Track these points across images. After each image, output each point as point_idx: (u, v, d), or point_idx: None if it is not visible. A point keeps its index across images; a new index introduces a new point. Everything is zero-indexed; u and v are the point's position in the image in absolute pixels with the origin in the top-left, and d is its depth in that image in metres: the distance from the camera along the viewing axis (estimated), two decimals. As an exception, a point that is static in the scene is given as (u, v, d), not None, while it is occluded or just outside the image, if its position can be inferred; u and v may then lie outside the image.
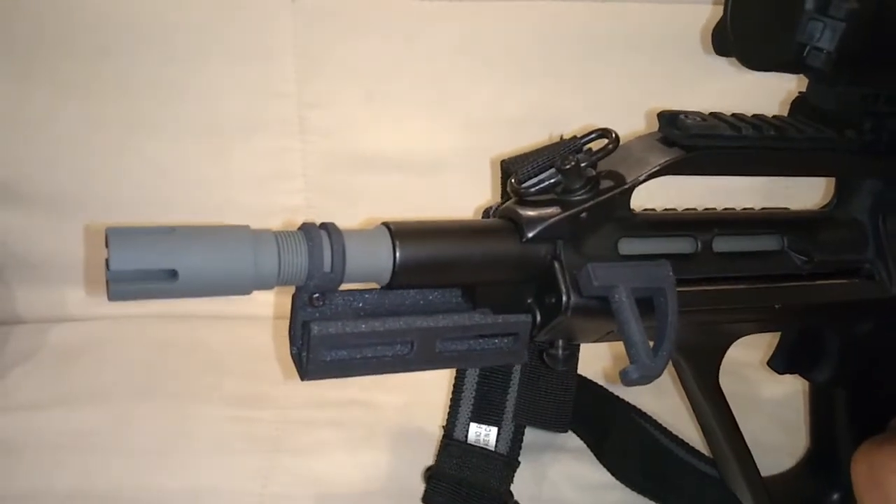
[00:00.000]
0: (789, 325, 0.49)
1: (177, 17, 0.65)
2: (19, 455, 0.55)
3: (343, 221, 0.35)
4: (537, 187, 0.37)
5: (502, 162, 0.43)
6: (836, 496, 0.51)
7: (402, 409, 0.60)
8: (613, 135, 0.38)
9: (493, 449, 0.50)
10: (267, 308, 0.72)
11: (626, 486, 0.54)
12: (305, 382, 0.37)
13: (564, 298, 0.36)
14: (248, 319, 0.71)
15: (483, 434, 0.49)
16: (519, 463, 0.51)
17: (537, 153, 0.40)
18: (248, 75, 0.66)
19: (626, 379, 0.34)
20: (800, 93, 0.46)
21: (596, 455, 0.56)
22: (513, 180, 0.39)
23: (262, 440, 0.57)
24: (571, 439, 0.57)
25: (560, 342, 0.39)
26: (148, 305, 0.70)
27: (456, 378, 0.51)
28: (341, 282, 0.34)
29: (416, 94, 0.67)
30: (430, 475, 0.51)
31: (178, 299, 0.31)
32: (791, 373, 0.51)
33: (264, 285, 0.32)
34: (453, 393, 0.52)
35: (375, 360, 0.35)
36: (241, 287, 0.32)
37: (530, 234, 0.36)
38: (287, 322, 0.35)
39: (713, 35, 0.43)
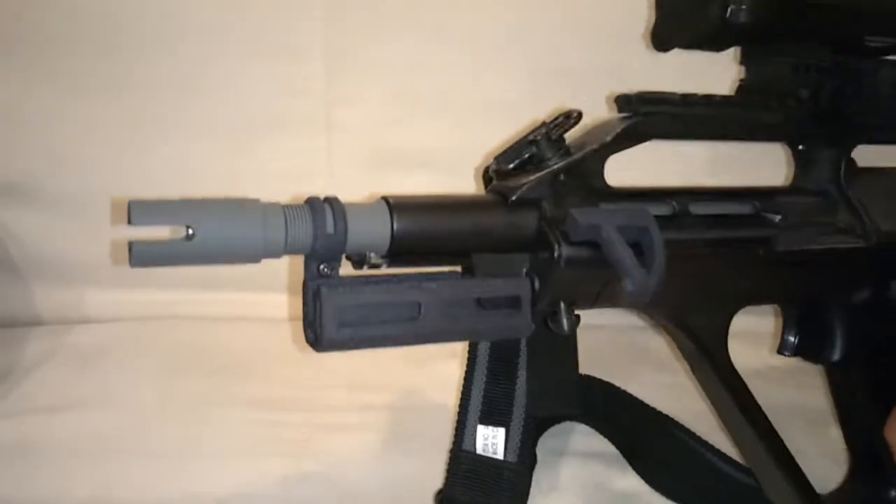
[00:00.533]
0: (786, 295, 0.50)
1: (204, 14, 0.64)
2: (37, 459, 0.54)
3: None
4: (515, 163, 0.41)
5: (483, 170, 0.45)
6: (893, 493, 0.49)
7: (429, 413, 0.58)
8: (575, 113, 0.41)
9: (501, 458, 0.47)
10: (289, 311, 0.71)
11: (660, 493, 0.52)
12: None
13: (556, 249, 0.38)
14: (270, 322, 0.70)
15: (490, 438, 0.47)
16: (529, 470, 0.48)
17: (513, 143, 0.43)
18: (275, 72, 0.66)
19: (624, 292, 0.36)
20: (740, 80, 0.48)
21: (629, 462, 0.54)
22: (493, 167, 0.42)
23: (286, 445, 0.56)
24: (603, 446, 0.55)
25: (562, 305, 0.40)
26: (168, 307, 0.70)
27: (464, 384, 0.50)
28: (344, 247, 0.36)
29: (445, 91, 0.66)
30: (441, 500, 0.48)
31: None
32: (801, 355, 0.51)
33: (273, 251, 0.35)
34: (461, 398, 0.49)
35: (386, 329, 0.37)
36: (252, 252, 0.34)
37: (514, 197, 0.39)
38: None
39: (651, 35, 0.46)
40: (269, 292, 0.70)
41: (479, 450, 0.47)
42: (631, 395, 0.55)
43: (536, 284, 0.40)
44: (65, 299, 0.70)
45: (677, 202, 0.43)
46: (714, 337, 0.45)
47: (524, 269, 0.40)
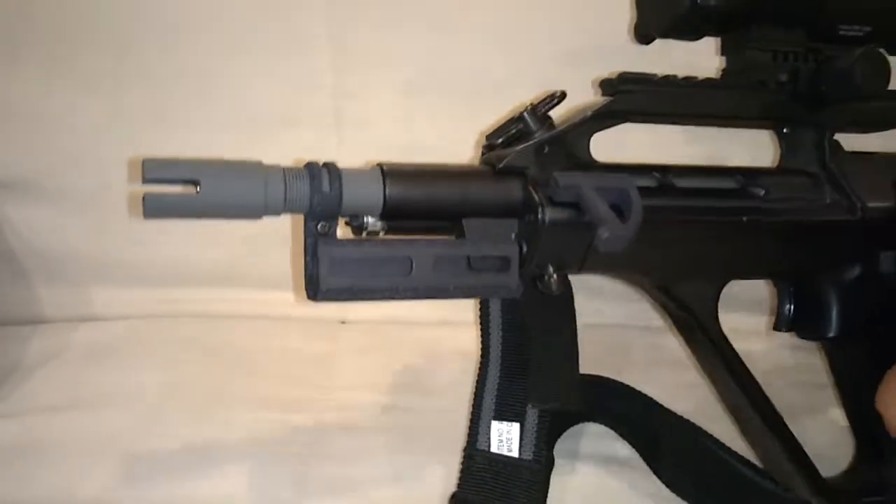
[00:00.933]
0: (775, 269, 0.51)
1: (209, 8, 0.63)
2: (41, 459, 0.52)
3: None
4: (503, 138, 0.44)
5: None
6: None
7: (444, 414, 0.56)
8: (559, 92, 0.44)
9: (517, 456, 0.47)
10: (298, 309, 0.69)
11: (681, 497, 0.51)
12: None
13: (540, 210, 0.41)
14: (279, 320, 0.69)
15: (505, 434, 0.47)
16: (547, 469, 0.47)
17: (503, 121, 0.45)
18: (282, 66, 0.64)
19: (598, 239, 0.39)
20: (722, 70, 0.50)
21: (649, 465, 0.53)
22: (484, 142, 0.45)
23: (296, 446, 0.54)
24: (622, 449, 0.54)
25: (550, 268, 0.42)
26: (176, 304, 0.69)
27: (477, 381, 0.50)
28: (340, 206, 0.39)
29: (455, 84, 0.65)
30: (456, 502, 0.47)
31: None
32: (797, 331, 0.52)
33: (273, 208, 0.38)
34: (475, 395, 0.49)
35: (379, 282, 0.40)
36: (253, 207, 0.37)
37: (500, 165, 0.43)
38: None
39: (634, 29, 0.49)
40: (278, 290, 0.68)
41: (494, 448, 0.46)
42: (650, 398, 0.54)
43: (524, 247, 0.42)
44: (70, 297, 0.69)
45: (661, 175, 0.46)
46: (703, 306, 0.47)
47: (513, 234, 0.43)
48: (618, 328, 0.71)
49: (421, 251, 0.41)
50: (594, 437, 0.56)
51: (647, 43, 0.48)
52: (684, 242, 0.46)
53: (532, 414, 0.47)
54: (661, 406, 0.53)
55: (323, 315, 0.71)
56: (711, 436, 0.51)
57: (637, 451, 0.54)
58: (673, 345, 0.67)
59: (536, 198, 0.41)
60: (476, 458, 0.46)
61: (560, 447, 0.53)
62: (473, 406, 0.48)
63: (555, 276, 0.43)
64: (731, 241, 0.47)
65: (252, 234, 0.68)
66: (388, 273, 0.40)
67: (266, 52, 0.64)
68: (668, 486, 0.51)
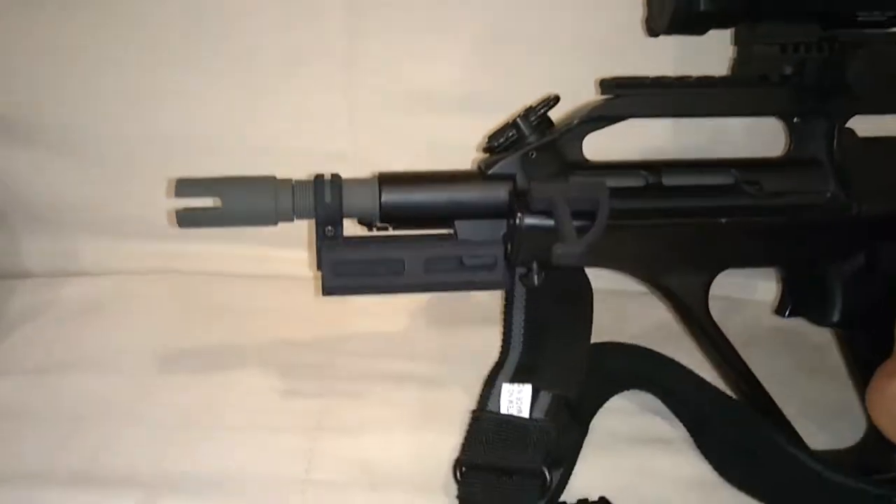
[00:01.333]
0: (770, 260, 0.52)
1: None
2: (23, 425, 0.49)
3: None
4: (499, 142, 0.47)
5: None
6: None
7: (459, 385, 0.52)
8: (553, 97, 0.47)
9: (527, 416, 0.45)
10: (306, 269, 0.64)
11: (730, 482, 0.47)
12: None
13: (519, 217, 0.45)
14: (285, 280, 0.64)
15: (516, 395, 0.46)
16: (564, 432, 0.46)
17: (501, 125, 0.48)
18: (290, 2, 0.58)
19: (554, 254, 0.41)
20: (732, 61, 0.50)
21: (697, 445, 0.49)
22: (485, 144, 0.48)
23: (304, 417, 0.50)
24: (670, 430, 0.50)
25: (535, 265, 0.47)
26: (172, 259, 0.65)
27: (501, 351, 0.50)
28: (340, 213, 0.46)
29: (481, 22, 0.59)
30: (461, 466, 0.45)
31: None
32: (798, 315, 0.53)
33: (284, 217, 0.46)
34: (495, 365, 0.49)
35: (375, 280, 0.47)
36: (267, 217, 0.46)
37: (489, 172, 0.47)
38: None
39: (644, 22, 0.50)
40: (285, 248, 0.64)
41: (504, 409, 0.47)
42: (701, 377, 0.50)
43: (509, 247, 0.47)
44: (56, 249, 0.65)
45: (650, 174, 0.47)
46: (693, 296, 0.49)
47: (501, 234, 0.47)
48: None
49: (413, 253, 0.47)
50: (636, 416, 0.52)
51: (655, 35, 0.49)
52: (670, 240, 0.48)
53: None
54: (714, 386, 0.50)
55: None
56: (767, 420, 0.48)
57: (686, 427, 0.50)
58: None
59: (516, 206, 0.45)
60: (484, 419, 0.46)
61: (601, 424, 0.50)
62: (491, 374, 0.49)
63: (539, 273, 0.47)
64: (721, 239, 0.48)
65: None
66: (383, 273, 0.47)
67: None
68: (716, 468, 0.48)
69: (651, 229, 0.47)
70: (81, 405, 0.50)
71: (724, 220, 0.47)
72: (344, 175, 0.47)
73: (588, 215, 0.43)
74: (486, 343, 0.51)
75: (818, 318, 0.51)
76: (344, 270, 0.47)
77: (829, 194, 0.48)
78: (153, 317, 0.60)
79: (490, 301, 0.59)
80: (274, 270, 0.64)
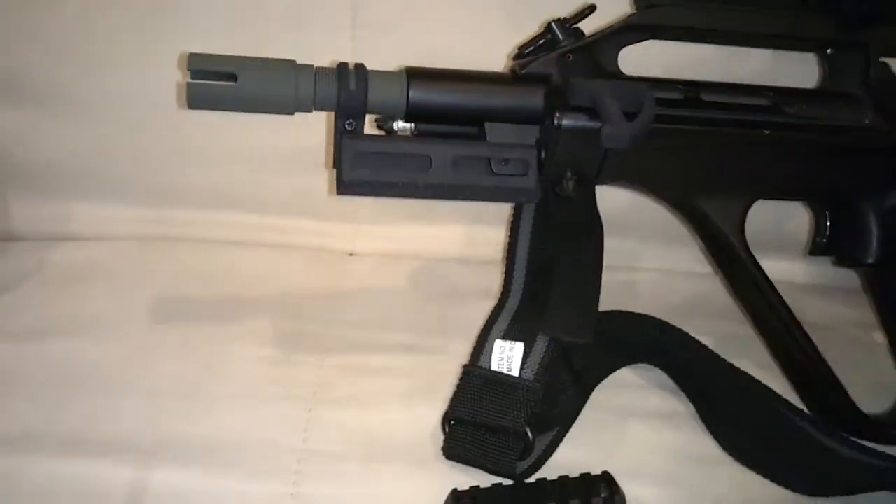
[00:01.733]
0: (806, 190, 0.51)
1: None
2: (15, 390, 0.47)
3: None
4: (531, 48, 0.46)
5: None
6: None
7: (462, 357, 0.50)
8: (590, 5, 0.46)
9: (516, 375, 0.45)
10: (303, 237, 0.64)
11: (736, 459, 0.46)
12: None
13: (557, 116, 0.43)
14: (283, 248, 0.63)
15: (507, 352, 0.45)
16: (543, 390, 0.44)
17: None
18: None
19: (602, 135, 0.40)
20: None
21: (703, 421, 0.48)
22: (515, 53, 0.47)
23: (301, 387, 0.49)
24: (677, 405, 0.49)
25: (568, 173, 0.44)
26: (167, 225, 0.63)
27: (495, 306, 0.49)
28: (365, 105, 0.42)
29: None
30: (449, 420, 0.45)
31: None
32: (833, 256, 0.52)
33: (304, 104, 0.42)
34: (489, 317, 0.48)
35: (399, 176, 0.43)
36: (285, 101, 0.42)
37: (522, 72, 0.45)
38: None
39: None
40: (280, 216, 0.63)
41: (494, 366, 0.45)
42: (711, 351, 0.49)
43: (543, 152, 0.45)
44: (48, 212, 0.63)
45: (688, 88, 0.46)
46: (730, 223, 0.47)
47: (534, 139, 0.45)
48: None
49: (441, 149, 0.44)
50: (643, 390, 0.51)
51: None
52: (707, 155, 0.46)
53: (542, 340, 0.45)
54: (724, 360, 0.49)
55: (330, 246, 0.65)
56: (779, 396, 0.47)
57: (692, 404, 0.49)
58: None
59: (554, 104, 0.43)
60: (473, 376, 0.45)
61: (607, 398, 0.49)
62: (483, 329, 0.48)
63: (573, 181, 0.44)
64: (758, 158, 0.47)
65: (253, 155, 0.62)
66: (407, 169, 0.43)
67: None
68: (724, 447, 0.47)
69: (690, 141, 0.45)
70: (73, 371, 0.49)
71: (767, 132, 0.46)
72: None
73: (630, 117, 0.41)
74: (486, 316, 0.49)
75: (853, 258, 0.50)
76: (365, 163, 0.43)
77: (867, 121, 0.47)
78: (147, 283, 0.58)
79: (491, 273, 0.58)
80: (269, 239, 0.63)
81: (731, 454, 0.46)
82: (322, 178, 0.63)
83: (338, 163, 0.43)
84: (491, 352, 0.45)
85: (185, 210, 0.63)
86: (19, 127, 0.60)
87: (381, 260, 0.65)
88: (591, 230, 0.46)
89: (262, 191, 0.64)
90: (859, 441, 0.45)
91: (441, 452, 0.44)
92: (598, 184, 0.46)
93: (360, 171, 0.43)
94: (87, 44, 0.58)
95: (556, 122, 0.43)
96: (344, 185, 0.43)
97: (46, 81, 0.59)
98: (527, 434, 0.43)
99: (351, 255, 0.65)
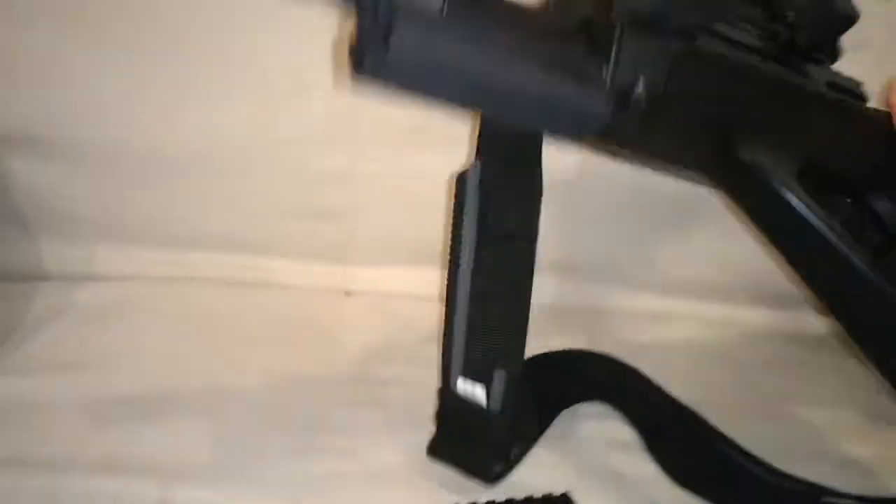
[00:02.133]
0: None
1: None
2: (41, 420, 0.52)
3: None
4: None
5: None
6: None
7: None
8: None
9: (484, 406, 0.47)
10: (308, 278, 0.69)
11: (677, 483, 0.52)
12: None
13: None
14: (285, 289, 0.69)
15: (470, 389, 0.47)
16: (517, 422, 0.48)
17: None
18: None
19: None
20: None
21: (650, 451, 0.54)
22: None
23: (298, 418, 0.55)
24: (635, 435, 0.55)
25: (640, 80, 0.38)
26: (182, 268, 0.68)
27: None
28: None
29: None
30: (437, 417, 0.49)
31: None
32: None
33: None
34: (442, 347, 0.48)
35: (441, 72, 0.33)
36: None
37: None
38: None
39: None
40: (289, 259, 0.68)
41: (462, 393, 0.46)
42: (654, 383, 0.55)
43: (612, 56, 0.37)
44: (73, 254, 0.68)
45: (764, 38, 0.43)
46: (780, 167, 0.41)
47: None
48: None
49: (497, 42, 0.34)
50: (597, 418, 0.56)
51: None
52: (767, 99, 0.42)
53: (499, 374, 0.46)
54: (666, 392, 0.54)
55: (328, 285, 0.71)
56: (715, 428, 0.52)
57: (639, 435, 0.54)
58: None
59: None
60: (450, 400, 0.47)
61: (562, 426, 0.54)
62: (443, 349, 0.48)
63: (644, 91, 0.38)
64: (812, 114, 0.44)
65: (261, 203, 0.68)
66: (454, 48, 0.33)
67: None
68: (668, 474, 0.52)
69: (751, 80, 0.41)
70: (99, 401, 0.53)
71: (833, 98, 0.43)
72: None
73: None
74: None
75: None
76: (414, 40, 0.32)
77: None
78: (162, 322, 0.63)
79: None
80: (279, 281, 0.68)
81: (677, 482, 0.51)
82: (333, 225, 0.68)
83: (372, 35, 0.31)
84: (456, 385, 0.48)
85: (200, 252, 0.68)
86: (51, 180, 0.66)
87: (376, 299, 0.70)
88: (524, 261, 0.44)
89: (267, 236, 0.69)
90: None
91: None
92: (655, 119, 0.39)
93: (393, 52, 0.31)
94: (106, 102, 0.63)
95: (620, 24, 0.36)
96: (370, 64, 0.32)
97: (71, 140, 0.65)
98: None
99: (348, 294, 0.71)
